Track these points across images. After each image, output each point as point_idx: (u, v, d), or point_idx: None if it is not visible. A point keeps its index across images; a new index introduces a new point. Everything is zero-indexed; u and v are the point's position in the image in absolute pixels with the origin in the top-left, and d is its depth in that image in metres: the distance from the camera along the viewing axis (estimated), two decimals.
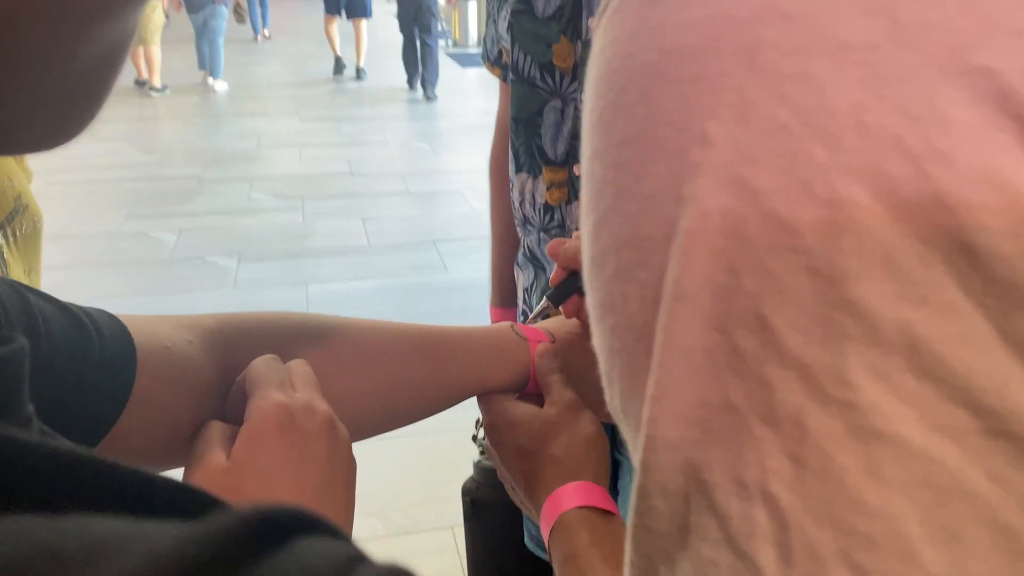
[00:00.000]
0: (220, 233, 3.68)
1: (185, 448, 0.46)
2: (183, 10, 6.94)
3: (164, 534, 0.14)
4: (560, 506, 0.52)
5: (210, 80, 6.96)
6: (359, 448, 0.49)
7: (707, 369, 0.18)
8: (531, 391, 0.60)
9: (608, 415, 0.65)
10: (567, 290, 0.61)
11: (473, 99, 6.94)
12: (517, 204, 1.01)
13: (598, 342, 0.23)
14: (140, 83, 6.68)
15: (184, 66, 7.24)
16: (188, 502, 0.18)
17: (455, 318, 2.92)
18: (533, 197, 0.98)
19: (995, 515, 0.16)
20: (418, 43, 6.74)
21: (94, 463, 0.17)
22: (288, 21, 11.26)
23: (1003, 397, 0.16)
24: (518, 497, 0.59)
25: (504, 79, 1.03)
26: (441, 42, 7.83)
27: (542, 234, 0.99)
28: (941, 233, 0.16)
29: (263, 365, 0.48)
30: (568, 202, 0.95)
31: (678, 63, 0.19)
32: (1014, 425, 0.16)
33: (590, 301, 0.23)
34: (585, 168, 0.23)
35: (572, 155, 0.93)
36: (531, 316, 0.64)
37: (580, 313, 0.62)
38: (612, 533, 0.50)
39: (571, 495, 0.52)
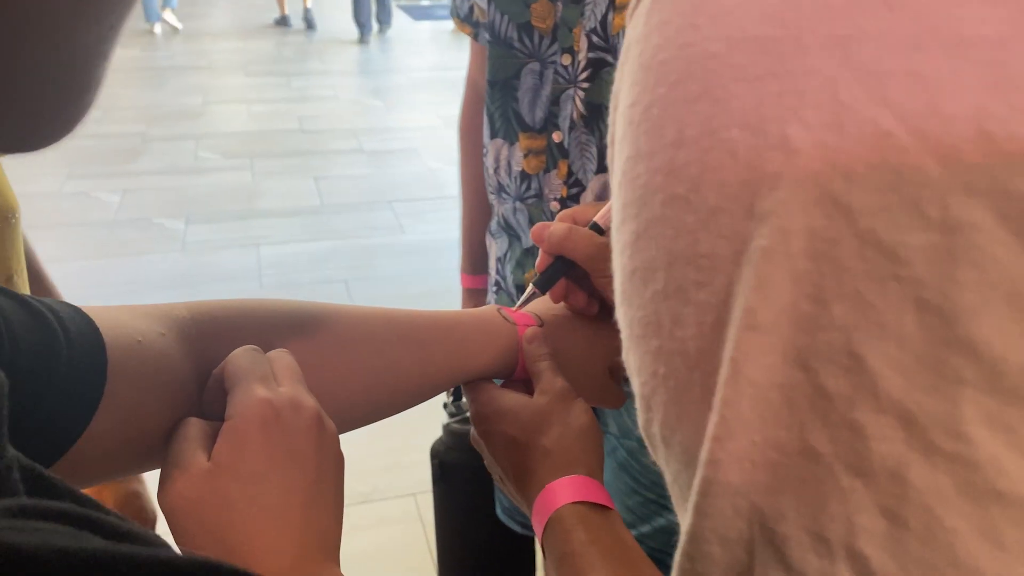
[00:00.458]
0: (166, 193, 3.57)
1: (160, 449, 0.43)
2: None
3: None
4: (554, 502, 0.49)
5: (167, 15, 6.82)
6: None
7: (783, 409, 0.16)
8: (519, 377, 0.58)
9: (600, 401, 0.63)
10: (554, 276, 0.59)
11: (426, 54, 6.81)
12: (491, 171, 0.97)
13: (635, 363, 0.21)
14: None
15: None
16: None
17: (412, 280, 2.89)
18: (509, 164, 0.94)
19: None
20: None
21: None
22: None
23: None
24: (507, 489, 0.57)
25: (475, 38, 0.99)
26: None
27: (518, 203, 0.96)
28: None
29: (243, 357, 0.45)
30: (546, 171, 0.91)
31: (751, 56, 0.17)
32: None
33: (626, 317, 0.20)
34: (622, 169, 0.20)
35: (551, 121, 0.89)
36: (518, 305, 0.62)
37: (568, 298, 0.60)
38: (609, 530, 0.48)
39: (565, 490, 0.50)
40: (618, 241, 0.20)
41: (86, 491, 0.22)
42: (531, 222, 0.95)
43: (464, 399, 0.59)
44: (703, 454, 0.18)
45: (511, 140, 0.93)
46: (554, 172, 0.90)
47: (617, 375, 0.62)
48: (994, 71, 0.15)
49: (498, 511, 1.15)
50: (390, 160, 4.08)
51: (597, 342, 0.60)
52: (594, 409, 0.95)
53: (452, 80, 5.75)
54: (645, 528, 0.92)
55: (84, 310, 0.42)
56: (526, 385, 0.57)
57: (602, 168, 0.88)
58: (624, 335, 0.21)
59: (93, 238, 3.13)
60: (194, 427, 0.43)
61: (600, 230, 0.58)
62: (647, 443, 0.21)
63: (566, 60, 0.85)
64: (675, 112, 0.18)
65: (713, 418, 0.17)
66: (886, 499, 0.15)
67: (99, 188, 3.57)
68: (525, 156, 0.92)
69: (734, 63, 0.17)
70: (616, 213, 0.21)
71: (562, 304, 0.62)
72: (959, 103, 0.15)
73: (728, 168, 0.17)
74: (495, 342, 0.57)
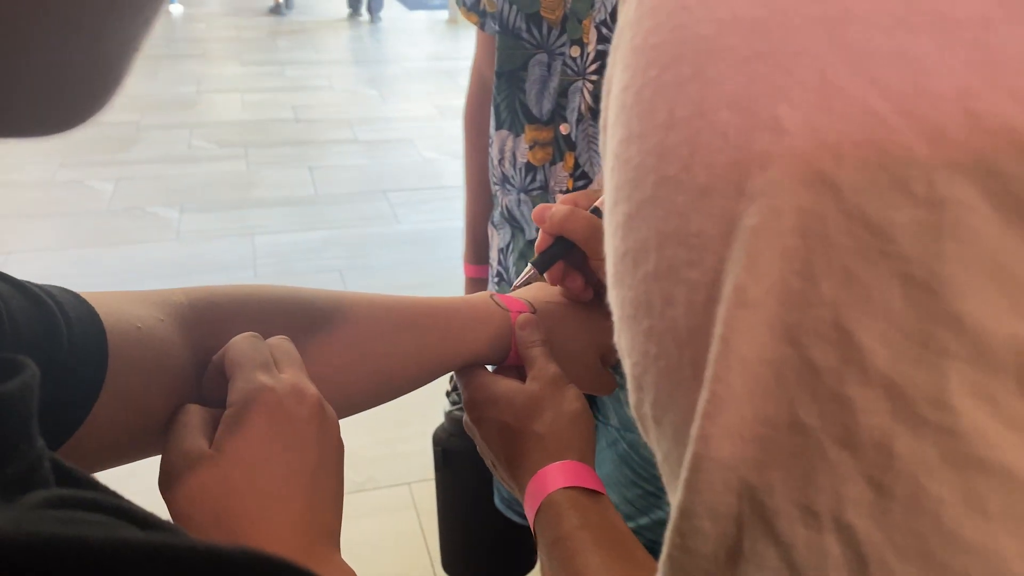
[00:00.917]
0: (160, 182, 3.56)
1: (160, 435, 0.43)
2: None
3: None
4: (546, 487, 0.50)
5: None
6: None
7: (772, 384, 0.16)
8: (511, 363, 0.58)
9: (593, 388, 0.63)
10: (553, 257, 0.59)
11: (421, 43, 6.79)
12: (496, 162, 0.97)
13: (626, 344, 0.21)
14: None
15: None
16: None
17: (407, 270, 2.88)
18: (514, 156, 0.94)
19: None
20: None
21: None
22: None
23: None
24: (499, 475, 0.57)
25: (482, 27, 0.98)
26: None
27: (522, 195, 0.95)
28: None
29: (244, 344, 0.45)
30: (552, 163, 0.91)
31: (742, 37, 0.17)
32: None
33: (619, 298, 0.21)
34: (615, 152, 0.20)
35: (558, 113, 0.88)
36: (516, 283, 0.62)
37: (565, 280, 0.60)
38: (601, 515, 0.48)
39: (557, 475, 0.50)
40: (610, 223, 0.21)
41: None
42: None
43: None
44: (693, 430, 0.18)
45: (517, 131, 0.93)
46: (560, 164, 0.90)
47: (609, 362, 0.62)
48: (980, 51, 0.15)
49: (496, 501, 1.15)
50: (385, 150, 4.07)
51: (589, 329, 0.61)
52: (596, 403, 0.96)
53: (447, 70, 5.73)
54: (644, 520, 0.92)
55: (83, 296, 0.42)
56: (519, 371, 0.58)
57: None
58: (616, 317, 0.21)
59: (87, 227, 3.12)
60: (194, 414, 0.43)
61: (601, 214, 0.58)
62: (638, 424, 0.22)
63: (575, 52, 0.85)
64: (667, 94, 0.18)
65: (703, 395, 0.17)
66: (873, 470, 0.15)
67: (93, 177, 3.56)
68: (531, 148, 0.92)
69: (724, 45, 0.17)
70: (608, 196, 0.21)
71: (555, 291, 0.62)
72: (945, 83, 0.15)
73: (718, 148, 0.17)
74: (488, 328, 0.57)
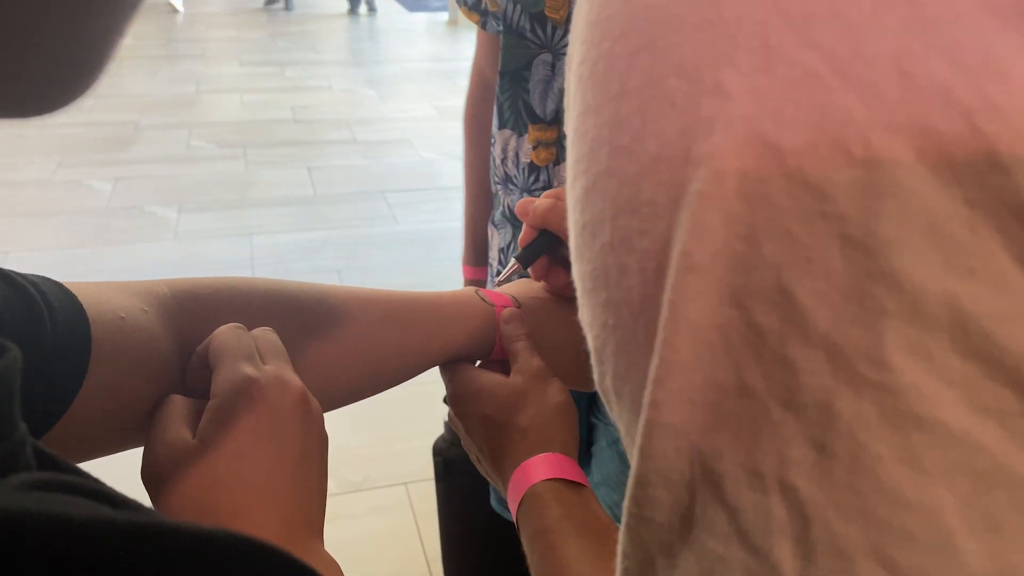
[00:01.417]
0: (159, 182, 3.55)
1: (143, 426, 0.43)
2: None
3: None
4: (528, 479, 0.50)
5: None
6: None
7: (720, 348, 0.16)
8: (495, 358, 0.58)
9: (577, 383, 0.63)
10: (537, 251, 0.59)
11: (420, 44, 6.79)
12: (498, 161, 0.97)
13: (587, 317, 0.21)
14: None
15: None
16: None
17: (404, 271, 2.88)
18: (517, 156, 0.94)
19: None
20: None
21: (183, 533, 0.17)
22: None
23: None
24: (483, 469, 0.57)
25: (483, 26, 0.97)
26: None
27: (525, 195, 0.95)
28: (994, 197, 0.14)
29: (228, 334, 0.45)
30: (556, 163, 0.91)
31: (688, 6, 0.17)
32: None
33: (579, 272, 0.21)
34: (574, 127, 0.20)
35: (563, 113, 0.88)
36: (500, 278, 0.62)
37: (549, 275, 0.60)
38: (583, 506, 0.49)
39: (539, 467, 0.50)
40: (571, 198, 0.21)
41: None
42: None
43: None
44: (645, 397, 0.18)
45: (520, 131, 0.92)
46: (564, 164, 0.90)
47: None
48: (912, 12, 0.15)
49: (492, 502, 1.15)
50: (383, 150, 4.07)
51: (573, 324, 0.61)
52: (597, 403, 0.96)
53: (446, 71, 5.73)
54: None
55: (66, 286, 0.42)
56: (503, 366, 0.58)
57: None
58: (578, 292, 0.21)
59: (85, 226, 3.12)
60: (178, 404, 0.43)
61: None
62: (603, 399, 0.21)
63: None
64: (619, 65, 0.18)
65: (654, 360, 0.18)
66: (814, 430, 0.15)
67: (91, 176, 3.56)
68: (534, 148, 0.91)
69: (672, 13, 0.17)
70: (569, 171, 0.21)
71: (539, 287, 0.62)
72: (880, 44, 0.15)
73: (667, 116, 0.17)
74: (473, 323, 0.57)
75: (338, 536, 0.42)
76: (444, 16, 7.85)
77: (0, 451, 0.19)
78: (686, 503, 0.17)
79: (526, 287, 0.62)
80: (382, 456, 1.96)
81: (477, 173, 1.10)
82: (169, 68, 5.44)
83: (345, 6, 7.80)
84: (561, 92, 0.87)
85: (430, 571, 1.67)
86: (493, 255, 1.06)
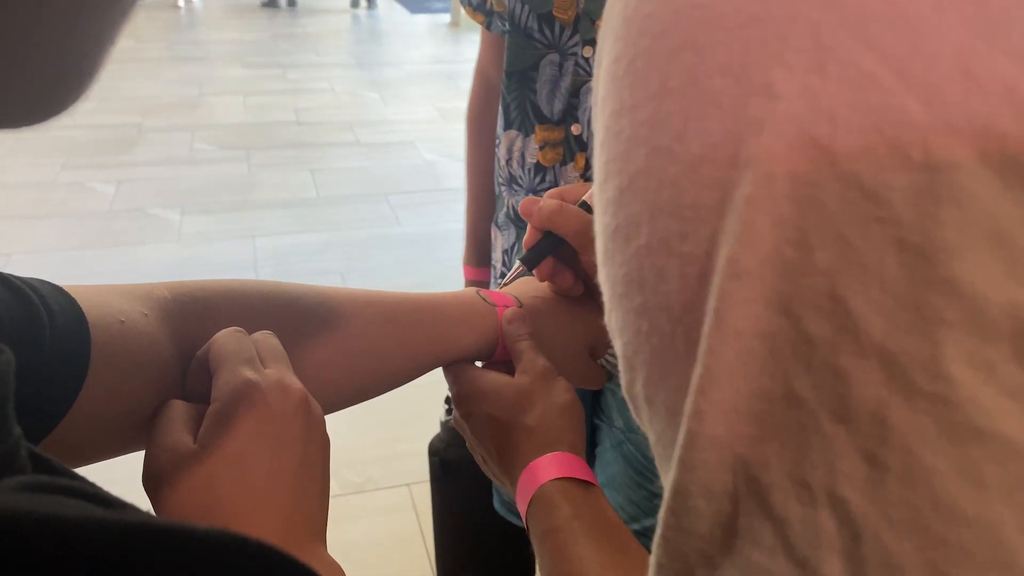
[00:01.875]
0: (162, 184, 3.56)
1: (144, 430, 0.43)
2: None
3: None
4: (537, 479, 0.50)
5: None
6: None
7: (767, 357, 0.16)
8: (499, 359, 0.58)
9: (582, 381, 0.62)
10: (541, 252, 0.59)
11: (423, 47, 6.79)
12: (503, 162, 0.96)
13: (617, 322, 0.20)
14: None
15: None
16: None
17: (407, 273, 2.88)
18: (523, 156, 0.93)
19: None
20: None
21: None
22: None
23: None
24: (490, 470, 0.57)
25: (487, 27, 0.97)
26: None
27: (531, 195, 0.94)
28: None
29: (228, 339, 0.44)
30: (563, 163, 0.90)
31: (734, 3, 0.16)
32: None
33: (609, 276, 0.20)
34: (605, 126, 0.19)
35: (569, 114, 0.87)
36: (505, 280, 0.62)
37: (554, 277, 0.60)
38: (593, 505, 0.48)
39: (548, 467, 0.50)
40: (600, 199, 0.20)
41: None
42: None
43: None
44: (687, 406, 0.17)
45: (527, 132, 0.92)
46: (571, 165, 0.89)
47: (597, 355, 0.62)
48: (976, 10, 0.15)
49: (496, 504, 1.15)
50: (386, 153, 4.07)
51: (576, 323, 0.60)
52: (600, 405, 0.96)
53: (449, 73, 5.73)
54: (649, 521, 0.92)
55: (66, 289, 0.41)
56: (506, 366, 0.58)
57: None
58: (606, 296, 0.21)
59: (88, 228, 3.12)
60: (178, 409, 0.42)
61: (589, 208, 0.58)
62: (630, 405, 0.21)
63: (588, 52, 0.83)
64: (659, 64, 0.18)
65: (697, 370, 0.17)
66: (867, 442, 0.15)
67: (94, 179, 3.56)
68: (541, 148, 0.91)
69: (717, 11, 0.17)
70: (598, 172, 0.20)
71: (543, 286, 0.61)
72: (942, 43, 0.15)
73: (712, 117, 0.16)
74: (475, 323, 0.57)
75: (341, 538, 0.41)
76: (446, 18, 7.86)
77: None
78: (728, 514, 0.17)
79: (528, 287, 0.62)
80: (384, 457, 1.96)
81: (480, 174, 1.09)
82: (172, 70, 5.44)
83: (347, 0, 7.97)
84: (568, 92, 0.87)
85: (433, 572, 1.66)
86: (497, 256, 1.06)
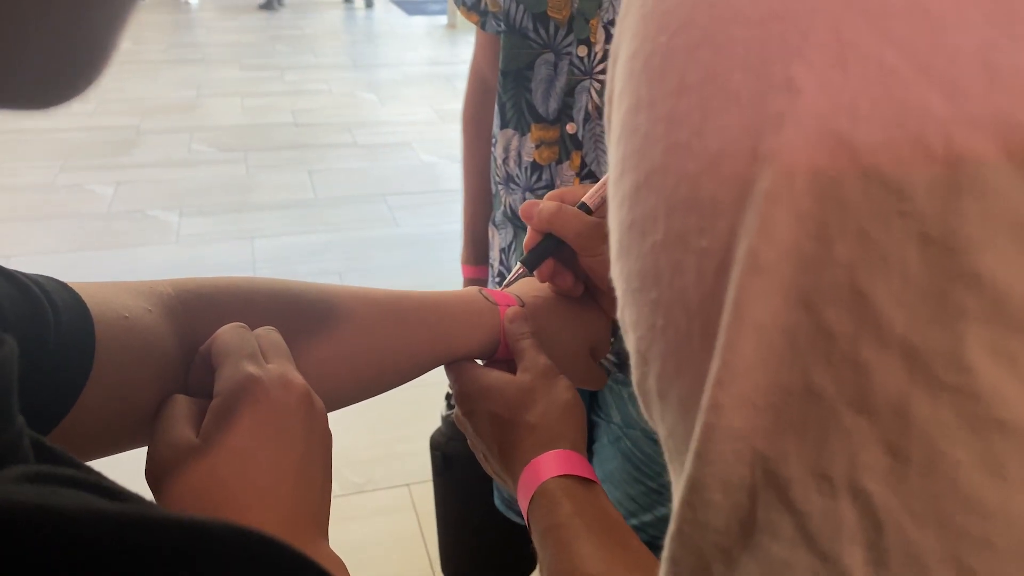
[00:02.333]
0: (160, 186, 3.56)
1: (147, 426, 0.43)
2: None
3: None
4: (539, 476, 0.50)
5: None
6: None
7: (786, 351, 0.16)
8: (500, 357, 0.59)
9: (583, 381, 0.63)
10: (542, 254, 0.59)
11: (420, 48, 6.79)
12: (500, 161, 0.97)
13: (631, 317, 0.20)
14: None
15: None
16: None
17: (405, 273, 2.89)
18: (519, 155, 0.94)
19: None
20: None
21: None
22: None
23: None
24: (491, 468, 0.57)
25: (482, 26, 0.97)
26: None
27: (527, 194, 0.95)
28: None
29: (231, 334, 0.45)
30: (559, 162, 0.91)
31: None
32: None
33: (623, 271, 0.20)
34: (621, 122, 0.20)
35: (564, 113, 0.88)
36: (506, 281, 0.62)
37: (555, 278, 0.60)
38: (594, 502, 0.49)
39: (550, 464, 0.50)
40: (616, 195, 0.20)
41: None
42: None
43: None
44: (704, 400, 0.17)
45: (523, 131, 0.92)
46: (567, 163, 0.90)
47: (598, 356, 0.63)
48: (996, 3, 0.15)
49: (496, 501, 1.15)
50: (384, 154, 4.08)
51: (578, 323, 0.61)
52: (598, 401, 0.97)
53: (446, 75, 5.74)
54: (647, 517, 0.92)
55: (70, 285, 0.41)
56: (508, 365, 0.58)
57: None
58: (620, 291, 0.21)
59: (87, 230, 3.12)
60: (181, 404, 0.43)
61: (588, 210, 0.58)
62: (640, 400, 0.21)
63: (582, 51, 0.84)
64: (677, 60, 0.18)
65: (715, 363, 0.17)
66: (889, 435, 0.15)
67: (93, 180, 3.56)
68: (537, 147, 0.91)
69: (736, 7, 0.17)
70: (614, 167, 0.20)
71: (544, 286, 0.62)
72: (963, 36, 0.15)
73: (731, 112, 0.17)
74: (477, 322, 0.57)
75: (341, 538, 0.42)
76: (443, 20, 7.86)
77: None
78: (746, 507, 0.17)
79: (530, 286, 0.62)
80: (385, 457, 1.97)
81: (476, 173, 1.10)
82: (170, 72, 5.44)
83: None
84: (563, 91, 0.87)
85: (434, 573, 1.67)
86: (494, 255, 1.06)
